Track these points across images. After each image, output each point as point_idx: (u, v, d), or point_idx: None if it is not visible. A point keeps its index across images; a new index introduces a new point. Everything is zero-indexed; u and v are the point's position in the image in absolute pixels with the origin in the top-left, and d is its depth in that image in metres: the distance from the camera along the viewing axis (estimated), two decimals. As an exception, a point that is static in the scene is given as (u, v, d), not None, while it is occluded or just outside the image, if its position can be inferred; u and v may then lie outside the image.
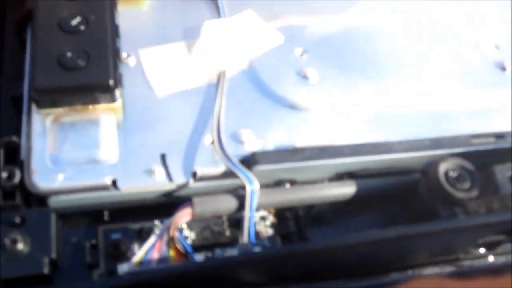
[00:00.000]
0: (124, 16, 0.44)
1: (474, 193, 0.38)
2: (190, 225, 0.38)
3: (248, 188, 0.36)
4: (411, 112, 0.43)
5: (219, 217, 0.39)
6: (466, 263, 0.40)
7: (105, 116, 0.39)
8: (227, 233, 0.39)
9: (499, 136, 0.43)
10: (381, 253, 0.37)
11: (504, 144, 0.42)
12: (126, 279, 0.33)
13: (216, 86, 0.42)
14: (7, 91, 0.42)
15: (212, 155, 0.39)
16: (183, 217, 0.36)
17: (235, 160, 0.38)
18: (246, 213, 0.37)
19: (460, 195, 0.38)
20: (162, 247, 0.35)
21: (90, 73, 0.38)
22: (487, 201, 0.38)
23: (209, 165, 0.39)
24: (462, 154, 0.41)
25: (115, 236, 0.37)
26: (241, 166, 0.37)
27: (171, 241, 0.36)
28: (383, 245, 0.35)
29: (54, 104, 0.38)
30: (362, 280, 0.38)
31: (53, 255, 0.35)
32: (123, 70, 0.41)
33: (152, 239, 0.35)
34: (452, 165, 0.39)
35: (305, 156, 0.39)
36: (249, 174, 0.37)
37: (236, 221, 0.39)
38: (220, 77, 0.42)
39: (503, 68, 0.47)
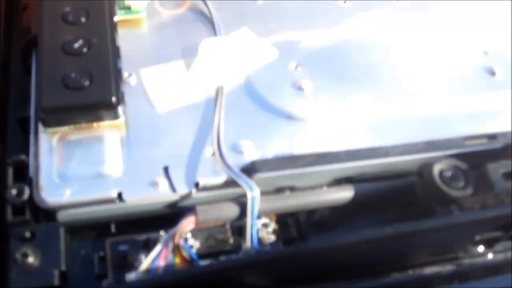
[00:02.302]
0: (125, 38, 0.46)
1: (469, 191, 0.39)
2: (194, 234, 0.39)
3: (249, 195, 0.38)
4: (405, 117, 0.45)
5: (223, 225, 0.40)
6: (466, 261, 0.41)
7: (109, 132, 0.41)
8: (231, 240, 0.40)
9: (491, 137, 0.44)
10: (381, 252, 0.38)
11: (496, 144, 0.43)
12: (134, 286, 0.34)
13: (214, 100, 0.43)
14: (14, 114, 0.43)
15: (213, 166, 0.40)
16: (187, 225, 0.37)
17: (236, 169, 0.39)
18: (248, 220, 0.38)
19: (455, 193, 0.39)
20: (168, 255, 0.37)
21: (93, 92, 0.40)
22: (482, 198, 0.39)
23: (211, 175, 0.40)
24: (455, 155, 0.42)
25: (122, 247, 0.39)
26: (241, 174, 0.39)
27: (176, 249, 0.37)
28: (382, 244, 0.36)
29: (60, 123, 0.40)
30: (363, 281, 0.38)
31: (63, 267, 0.36)
32: (125, 89, 0.43)
33: (158, 248, 0.37)
34: (446, 165, 0.40)
35: (304, 162, 0.40)
36: (250, 181, 0.38)
37: (239, 229, 0.40)
38: (219, 92, 0.44)
39: (492, 73, 0.49)
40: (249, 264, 0.36)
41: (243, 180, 0.38)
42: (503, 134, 0.44)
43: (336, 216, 0.42)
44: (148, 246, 0.39)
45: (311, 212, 0.41)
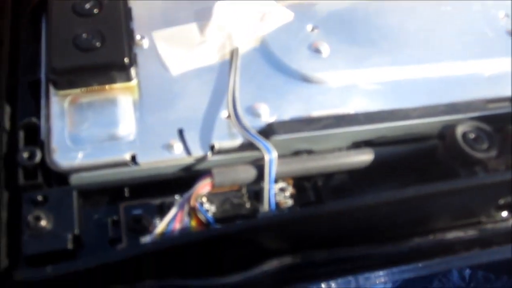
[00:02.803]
0: (137, 1, 0.44)
1: (493, 152, 0.38)
2: (210, 199, 0.38)
3: (267, 157, 0.37)
4: (425, 80, 0.43)
5: (239, 189, 0.39)
6: (489, 226, 0.40)
7: (122, 95, 0.40)
8: (247, 205, 0.39)
9: (515, 100, 0.43)
10: (401, 215, 0.37)
11: (520, 107, 0.42)
12: (149, 248, 0.34)
13: (229, 63, 0.42)
14: (25, 77, 0.42)
15: (229, 129, 0.39)
16: (203, 187, 0.36)
17: (253, 131, 0.38)
18: (266, 183, 0.37)
19: (479, 155, 0.38)
20: (183, 218, 0.36)
21: (105, 53, 0.39)
22: (507, 159, 0.38)
23: (227, 138, 0.39)
24: (477, 118, 0.41)
25: (136, 211, 0.38)
26: (259, 136, 0.38)
27: (192, 213, 0.36)
28: (403, 206, 0.35)
29: (71, 85, 0.39)
30: (383, 246, 0.38)
31: (76, 231, 0.35)
32: (137, 51, 0.42)
33: (173, 211, 0.36)
34: (469, 127, 0.39)
35: (322, 125, 0.39)
36: (267, 143, 0.37)
37: (255, 193, 0.39)
38: (233, 54, 0.43)
39: (514, 36, 0.47)
40: (267, 226, 0.35)
41: (260, 142, 0.37)
42: (526, 97, 0.43)
43: (354, 180, 0.40)
44: (162, 210, 0.38)
45: (329, 176, 0.40)
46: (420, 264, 0.41)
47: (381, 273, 0.42)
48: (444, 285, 0.77)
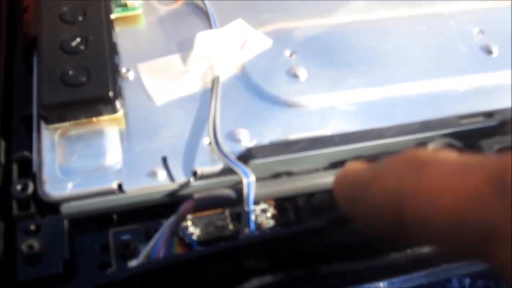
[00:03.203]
0: (122, 35, 0.47)
1: (463, 168, 0.39)
2: (194, 222, 0.40)
3: (245, 181, 0.38)
4: (401, 99, 0.45)
5: (222, 212, 0.41)
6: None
7: (109, 126, 0.42)
8: (230, 227, 0.41)
9: (488, 114, 0.44)
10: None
11: (493, 122, 0.43)
12: (137, 271, 0.35)
13: (211, 91, 0.44)
14: (18, 112, 0.45)
15: (210, 155, 0.41)
16: (186, 212, 0.38)
17: (232, 156, 0.40)
18: (245, 205, 0.39)
19: (449, 171, 0.39)
20: (167, 243, 0.38)
21: (91, 88, 0.41)
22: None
23: (208, 164, 0.41)
24: (451, 134, 0.42)
25: (125, 237, 0.40)
26: (237, 161, 0.39)
27: (176, 237, 0.38)
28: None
29: (60, 119, 0.41)
30: (363, 262, 0.39)
31: (67, 256, 0.38)
32: (123, 84, 0.44)
33: (157, 235, 0.38)
34: (440, 144, 0.40)
35: (299, 147, 0.41)
36: (245, 167, 0.39)
37: (237, 215, 0.41)
38: (215, 82, 0.45)
39: (489, 52, 0.49)
40: (246, 247, 0.36)
41: (238, 167, 0.39)
42: (500, 112, 0.44)
43: (334, 199, 0.42)
44: (150, 235, 0.40)
45: (309, 197, 0.42)
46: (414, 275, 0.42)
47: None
48: (445, 294, 0.78)
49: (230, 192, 0.39)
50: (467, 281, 0.78)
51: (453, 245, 0.23)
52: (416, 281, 0.63)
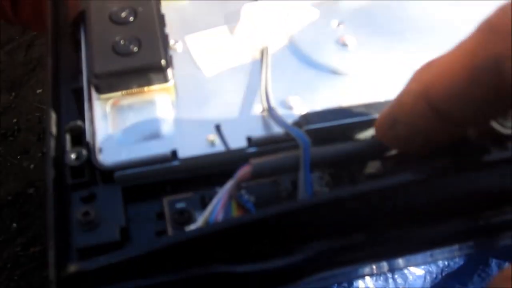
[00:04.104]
0: (168, 7, 0.47)
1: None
2: (248, 189, 0.40)
3: (302, 146, 0.38)
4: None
5: (276, 179, 0.40)
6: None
7: (160, 96, 0.42)
8: (285, 194, 0.40)
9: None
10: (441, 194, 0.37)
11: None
12: (195, 234, 0.35)
13: (260, 61, 0.44)
14: (66, 86, 0.45)
15: (264, 121, 0.41)
16: (243, 176, 0.37)
17: (287, 122, 0.39)
18: (302, 171, 0.38)
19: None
20: (224, 208, 0.37)
21: (143, 56, 0.41)
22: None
23: (263, 130, 0.40)
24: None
25: (180, 205, 0.39)
26: (293, 127, 0.39)
27: (233, 202, 0.38)
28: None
29: (112, 88, 0.41)
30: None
31: (123, 223, 0.37)
32: (172, 55, 0.44)
33: (215, 200, 0.37)
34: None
35: (353, 113, 0.40)
36: (302, 132, 0.38)
37: (292, 183, 0.40)
38: (264, 52, 0.44)
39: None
40: (306, 209, 0.36)
41: (295, 132, 0.38)
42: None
43: (389, 166, 0.41)
44: (205, 203, 0.39)
45: (364, 164, 0.41)
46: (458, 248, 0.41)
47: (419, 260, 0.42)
48: (484, 279, 0.77)
49: (287, 158, 0.39)
50: (507, 265, 0.77)
51: (474, 90, 0.29)
52: (456, 264, 0.62)
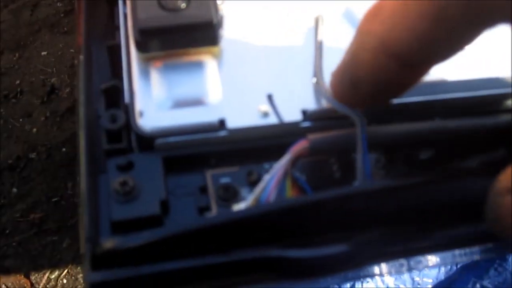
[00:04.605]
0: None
1: None
2: (301, 167, 0.36)
3: (359, 124, 0.34)
4: None
5: (328, 159, 0.37)
6: None
7: (207, 58, 0.38)
8: (338, 175, 0.37)
9: None
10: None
11: None
12: (246, 214, 0.32)
13: (314, 30, 0.40)
14: (100, 43, 0.41)
15: (318, 95, 0.37)
16: (299, 152, 0.34)
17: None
18: (359, 151, 0.35)
19: None
20: (279, 186, 0.34)
21: (192, 13, 0.37)
22: None
23: (317, 104, 0.37)
24: None
25: (225, 180, 0.36)
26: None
27: (288, 180, 0.34)
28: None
29: (155, 47, 0.37)
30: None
31: (163, 197, 0.34)
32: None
33: (267, 178, 0.34)
34: None
35: (416, 92, 0.37)
36: (358, 111, 0.35)
37: (346, 163, 0.37)
38: (318, 21, 0.40)
39: None
40: (366, 194, 0.33)
41: (350, 110, 0.35)
42: None
43: (448, 150, 0.38)
44: (251, 179, 0.36)
45: (421, 146, 0.38)
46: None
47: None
48: (500, 274, 0.75)
49: (345, 136, 0.35)
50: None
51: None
52: (471, 257, 0.58)
